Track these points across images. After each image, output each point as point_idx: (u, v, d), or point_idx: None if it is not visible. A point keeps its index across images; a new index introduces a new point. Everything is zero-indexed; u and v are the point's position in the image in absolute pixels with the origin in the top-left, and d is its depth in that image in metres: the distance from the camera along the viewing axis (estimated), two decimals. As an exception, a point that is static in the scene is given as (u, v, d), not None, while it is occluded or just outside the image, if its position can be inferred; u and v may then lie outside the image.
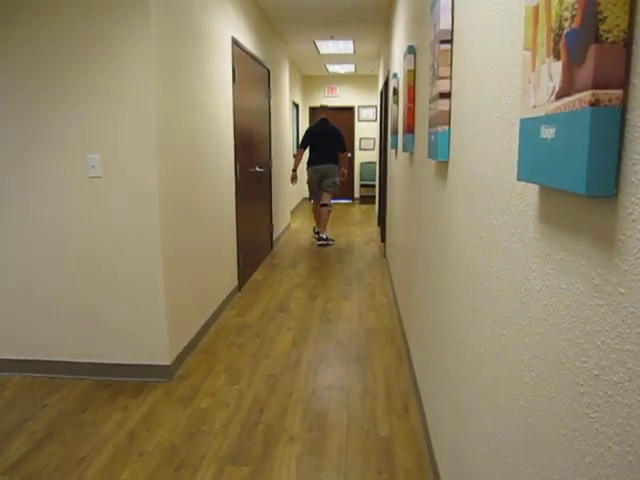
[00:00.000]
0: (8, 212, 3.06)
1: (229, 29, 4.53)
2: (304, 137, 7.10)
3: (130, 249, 3.01)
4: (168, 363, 3.10)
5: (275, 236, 7.04)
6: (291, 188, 8.94)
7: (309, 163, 7.09)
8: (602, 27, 0.67)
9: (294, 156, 7.06)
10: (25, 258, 3.10)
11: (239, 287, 4.92)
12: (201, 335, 3.71)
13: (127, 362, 3.11)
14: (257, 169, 5.68)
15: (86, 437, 2.52)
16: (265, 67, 6.20)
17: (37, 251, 3.08)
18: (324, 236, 7.11)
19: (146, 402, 2.86)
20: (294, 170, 7.28)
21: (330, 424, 2.64)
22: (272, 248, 6.81)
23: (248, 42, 5.33)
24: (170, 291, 3.11)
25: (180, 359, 3.27)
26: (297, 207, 10.97)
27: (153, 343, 3.08)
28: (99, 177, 2.96)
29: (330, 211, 7.22)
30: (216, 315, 4.11)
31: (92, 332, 3.12)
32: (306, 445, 2.46)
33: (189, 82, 3.44)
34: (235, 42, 4.69)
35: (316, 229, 7.33)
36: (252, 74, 5.51)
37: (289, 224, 8.56)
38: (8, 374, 3.18)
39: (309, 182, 7.18)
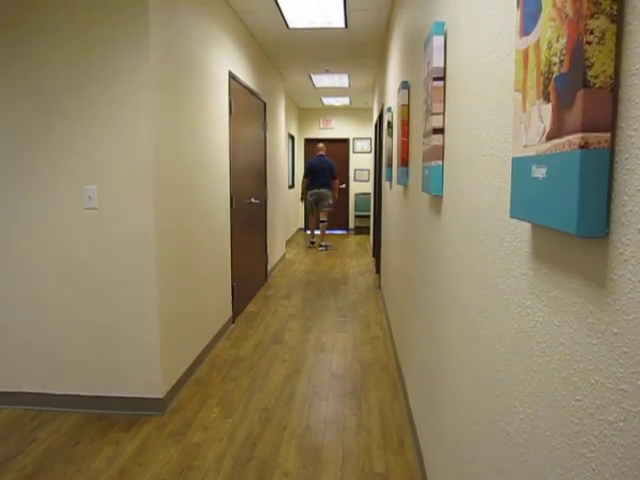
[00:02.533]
0: (1, 243, 3.06)
1: (226, 63, 4.61)
2: (306, 169, 9.44)
3: (124, 280, 3.00)
4: (161, 396, 3.06)
5: (270, 267, 7.04)
6: (286, 219, 9.19)
7: (308, 188, 9.36)
8: (589, 73, 0.69)
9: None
10: (18, 290, 3.08)
11: (233, 319, 4.89)
12: (194, 367, 3.67)
13: (119, 395, 3.07)
14: (252, 200, 5.72)
15: (76, 472, 2.47)
16: (261, 100, 6.29)
17: (29, 282, 3.06)
18: (323, 244, 9.51)
19: (138, 436, 2.81)
20: (303, 193, 9.65)
21: (325, 459, 2.60)
22: (267, 279, 6.80)
23: (245, 76, 5.42)
24: (164, 323, 3.10)
25: (173, 392, 3.23)
26: (292, 238, 10.99)
27: (146, 376, 3.05)
28: (95, 209, 2.97)
29: (326, 225, 9.62)
30: (210, 347, 4.08)
31: (84, 364, 3.08)
32: (300, 481, 2.42)
33: (186, 115, 3.48)
34: (232, 76, 4.77)
35: (311, 239, 9.73)
36: (249, 107, 5.58)
37: (284, 255, 8.56)
38: (-3, 407, 3.14)
39: (308, 203, 9.47)
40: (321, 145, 9.49)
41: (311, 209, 9.50)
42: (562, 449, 0.86)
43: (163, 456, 2.62)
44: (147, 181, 2.92)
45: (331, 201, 9.34)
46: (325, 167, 9.22)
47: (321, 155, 9.32)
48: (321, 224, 9.47)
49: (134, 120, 2.89)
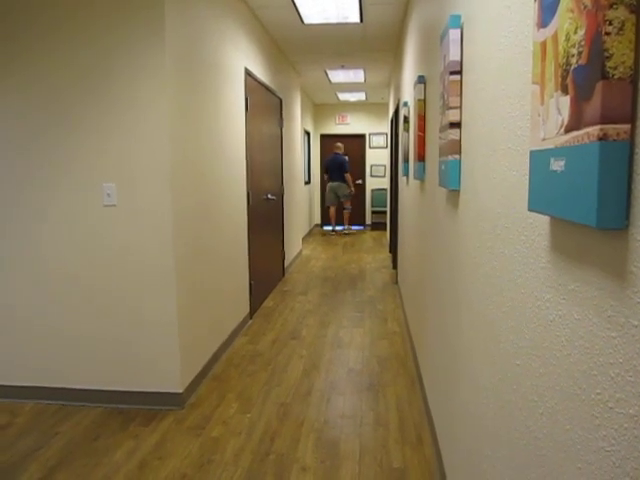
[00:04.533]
0: (21, 240, 3.11)
1: (242, 60, 4.62)
2: (325, 166, 11.19)
3: (143, 277, 3.04)
4: (180, 391, 3.10)
5: (287, 263, 7.06)
6: (303, 215, 9.22)
7: (327, 181, 11.08)
8: (608, 64, 0.68)
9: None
10: (38, 285, 3.13)
11: (251, 314, 4.92)
12: (213, 363, 3.70)
13: (139, 389, 3.11)
14: (269, 196, 5.73)
15: (97, 466, 2.51)
16: (277, 96, 6.30)
17: (50, 278, 3.11)
18: (345, 227, 11.35)
19: (157, 430, 2.85)
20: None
21: (342, 454, 2.61)
22: (284, 275, 6.83)
23: (261, 72, 5.43)
24: (183, 319, 3.13)
25: (192, 387, 3.26)
26: (309, 233, 11.01)
27: (165, 371, 3.08)
28: (114, 205, 3.00)
29: (350, 212, 11.32)
30: (228, 342, 4.11)
31: (104, 359, 3.13)
32: (318, 476, 2.44)
33: (203, 112, 3.50)
34: (248, 72, 4.79)
35: (333, 227, 11.31)
36: (264, 103, 5.60)
37: (300, 251, 8.58)
38: (21, 401, 3.19)
39: (327, 194, 11.12)
40: (338, 144, 10.95)
41: (332, 200, 11.07)
42: (582, 443, 0.85)
43: (182, 450, 2.65)
44: (165, 178, 2.95)
45: (347, 191, 10.95)
46: (337, 163, 10.78)
47: (336, 153, 10.84)
48: (344, 211, 11.21)
49: (151, 118, 2.92)
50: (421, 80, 3.22)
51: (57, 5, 2.91)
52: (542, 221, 1.04)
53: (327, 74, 8.43)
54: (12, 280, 3.16)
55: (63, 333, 3.15)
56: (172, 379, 3.09)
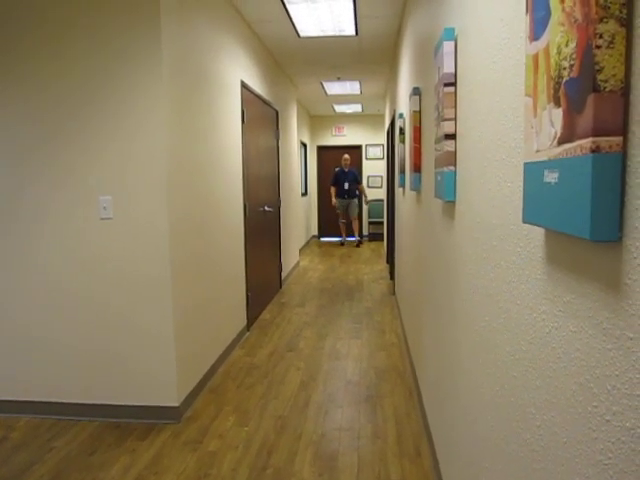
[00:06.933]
0: (16, 253, 3.10)
1: (238, 72, 4.64)
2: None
3: (139, 290, 3.02)
4: (176, 404, 3.07)
5: (284, 274, 7.05)
6: (300, 226, 9.22)
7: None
8: (599, 77, 0.68)
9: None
10: (34, 299, 3.12)
11: (248, 327, 4.90)
12: (210, 375, 3.68)
13: (135, 403, 3.09)
14: (266, 208, 5.74)
15: (93, 481, 2.49)
16: (274, 108, 6.33)
17: (46, 292, 3.10)
18: (357, 237, 11.34)
19: (154, 445, 2.82)
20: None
21: (340, 467, 2.59)
22: (281, 287, 6.81)
23: (257, 85, 5.45)
24: (179, 332, 3.11)
25: (189, 400, 3.24)
26: (306, 245, 11.00)
27: (162, 384, 3.06)
28: (110, 218, 3.00)
29: (359, 223, 11.39)
30: (225, 355, 4.09)
31: (100, 373, 3.11)
32: (316, 489, 2.41)
33: (199, 124, 3.51)
34: (244, 85, 4.81)
35: (343, 238, 11.37)
36: (261, 115, 5.62)
37: (298, 262, 8.57)
38: (16, 415, 3.17)
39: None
40: (344, 156, 10.92)
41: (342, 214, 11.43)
42: (579, 456, 0.85)
43: (179, 465, 2.63)
44: (161, 191, 2.95)
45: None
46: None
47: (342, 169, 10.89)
48: (353, 222, 11.32)
49: (148, 130, 2.93)
50: (416, 92, 3.23)
51: (46, 23, 2.92)
52: (537, 233, 1.04)
53: (323, 86, 8.48)
54: (7, 294, 3.15)
55: (58, 346, 3.13)
56: (168, 393, 3.07)
